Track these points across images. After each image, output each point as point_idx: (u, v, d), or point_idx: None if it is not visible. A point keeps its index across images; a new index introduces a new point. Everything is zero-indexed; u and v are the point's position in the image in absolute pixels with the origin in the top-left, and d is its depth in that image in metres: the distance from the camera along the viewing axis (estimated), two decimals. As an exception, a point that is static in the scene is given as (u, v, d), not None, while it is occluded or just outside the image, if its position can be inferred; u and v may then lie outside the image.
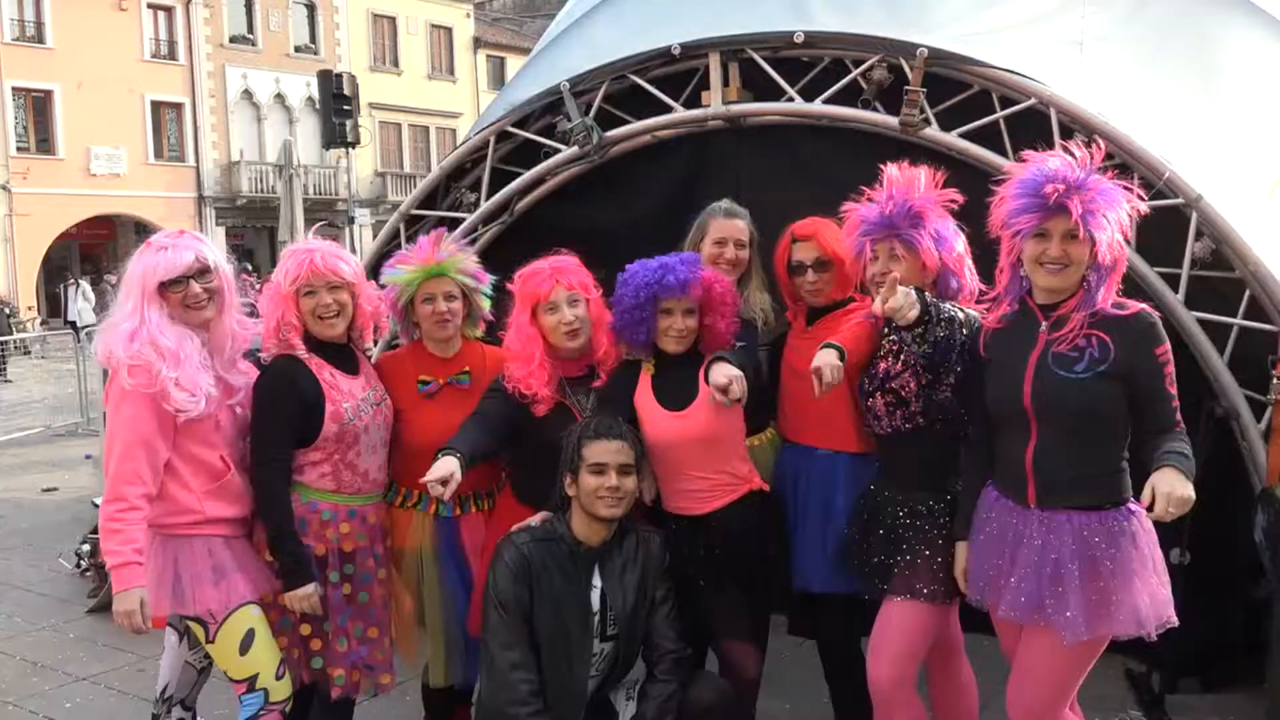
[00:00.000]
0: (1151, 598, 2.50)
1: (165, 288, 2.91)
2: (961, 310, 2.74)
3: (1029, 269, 2.58)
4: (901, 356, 2.84)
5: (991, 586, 2.66)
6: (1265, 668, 3.59)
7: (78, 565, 5.94)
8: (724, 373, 2.88)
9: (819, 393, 2.66)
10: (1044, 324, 2.59)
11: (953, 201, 2.89)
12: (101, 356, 2.91)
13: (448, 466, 2.83)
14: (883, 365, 2.93)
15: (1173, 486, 2.26)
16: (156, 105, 29.37)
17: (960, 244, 2.90)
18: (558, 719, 2.91)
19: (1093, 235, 2.46)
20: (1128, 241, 2.54)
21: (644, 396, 3.18)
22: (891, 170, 2.92)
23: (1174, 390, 2.51)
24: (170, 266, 2.92)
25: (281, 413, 3.03)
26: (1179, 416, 2.50)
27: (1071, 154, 2.52)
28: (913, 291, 2.56)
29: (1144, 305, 2.57)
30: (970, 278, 2.92)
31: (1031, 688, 2.64)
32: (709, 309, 3.12)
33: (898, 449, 2.95)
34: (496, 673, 2.90)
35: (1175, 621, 2.54)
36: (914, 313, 2.53)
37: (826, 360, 2.67)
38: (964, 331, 2.70)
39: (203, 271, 2.96)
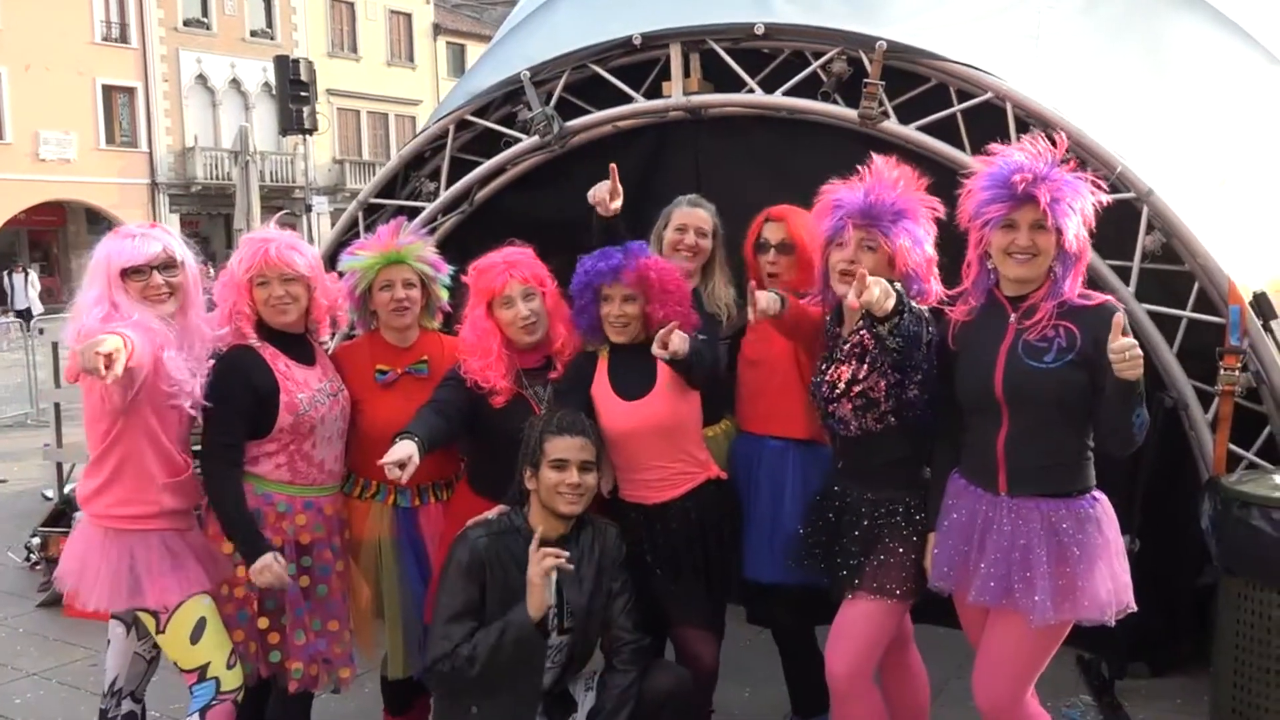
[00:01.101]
0: (1114, 583, 2.56)
1: (126, 275, 2.86)
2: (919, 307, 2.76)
3: (997, 260, 2.62)
4: (866, 360, 2.82)
5: (959, 572, 2.69)
6: (1210, 652, 3.66)
7: (27, 559, 5.84)
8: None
9: (753, 318, 2.81)
10: (1013, 315, 2.63)
11: (934, 208, 2.87)
12: (75, 340, 2.76)
13: (406, 450, 2.80)
14: (845, 370, 2.88)
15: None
16: (108, 89, 28.78)
17: (930, 248, 2.89)
18: (515, 713, 2.91)
19: (1059, 225, 2.51)
20: (1091, 233, 2.58)
21: (600, 387, 3.18)
22: (878, 160, 2.90)
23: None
24: (134, 254, 2.86)
25: (234, 401, 2.99)
26: (1145, 396, 2.52)
27: (1036, 147, 2.56)
28: (884, 281, 2.56)
29: (1109, 297, 2.63)
30: (935, 284, 2.90)
31: (998, 670, 2.68)
32: (650, 297, 3.10)
33: (867, 450, 2.91)
34: (434, 644, 2.92)
35: (1134, 607, 2.60)
36: (890, 302, 2.52)
37: (766, 295, 2.82)
38: (930, 329, 2.71)
39: (168, 265, 2.91)
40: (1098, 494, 2.63)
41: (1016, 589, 2.56)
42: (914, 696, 3.16)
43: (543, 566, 2.81)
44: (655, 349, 2.90)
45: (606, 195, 3.24)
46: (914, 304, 2.66)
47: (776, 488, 3.24)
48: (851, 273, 2.73)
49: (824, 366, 2.97)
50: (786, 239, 3.31)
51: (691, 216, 3.54)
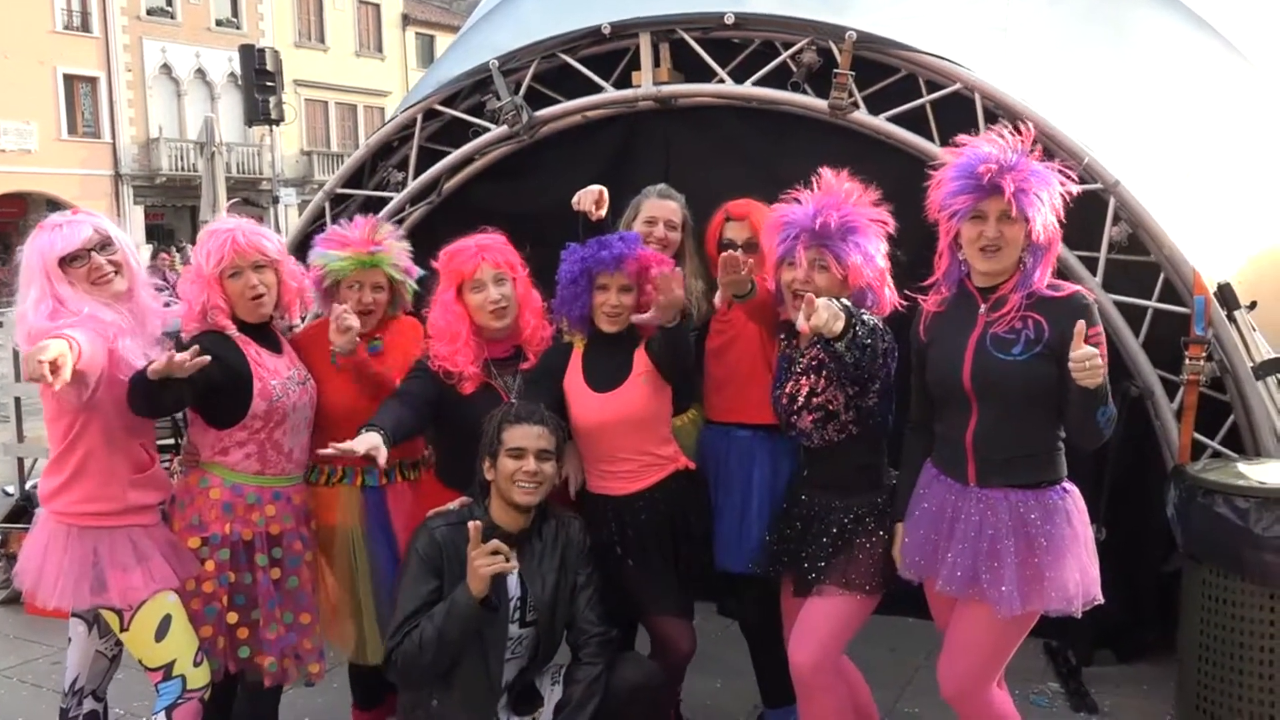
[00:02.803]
0: (1082, 575, 2.57)
1: (67, 264, 2.78)
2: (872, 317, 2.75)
3: (967, 252, 2.62)
4: (824, 372, 2.81)
5: (928, 561, 2.69)
6: (1176, 639, 3.70)
7: (-13, 556, 5.73)
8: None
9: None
10: (983, 306, 2.63)
11: (884, 223, 2.88)
12: (29, 341, 2.66)
13: (371, 440, 2.79)
14: (804, 383, 2.87)
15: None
16: (70, 79, 28.27)
17: (882, 260, 2.89)
18: (474, 705, 2.89)
19: (1026, 215, 2.51)
20: (1060, 222, 2.58)
21: (573, 378, 3.16)
22: (827, 175, 2.90)
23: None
24: (68, 241, 2.79)
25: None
26: (1109, 394, 2.52)
27: (1004, 138, 2.57)
28: (834, 303, 2.52)
29: (1079, 287, 2.64)
30: (889, 294, 2.91)
31: (963, 659, 2.69)
32: (647, 288, 3.10)
33: (832, 459, 2.92)
34: (392, 638, 2.89)
35: (1101, 599, 2.61)
36: (839, 324, 2.49)
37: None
38: (885, 339, 2.71)
39: (104, 245, 2.84)
40: (1068, 485, 2.63)
41: (984, 579, 2.56)
42: (857, 695, 3.12)
43: (485, 570, 2.77)
44: (659, 301, 2.87)
45: (592, 205, 3.23)
46: (866, 316, 2.64)
47: (746, 476, 3.24)
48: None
49: (782, 380, 2.97)
50: (753, 237, 3.29)
51: (662, 209, 3.52)
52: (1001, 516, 2.58)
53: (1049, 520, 2.56)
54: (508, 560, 2.79)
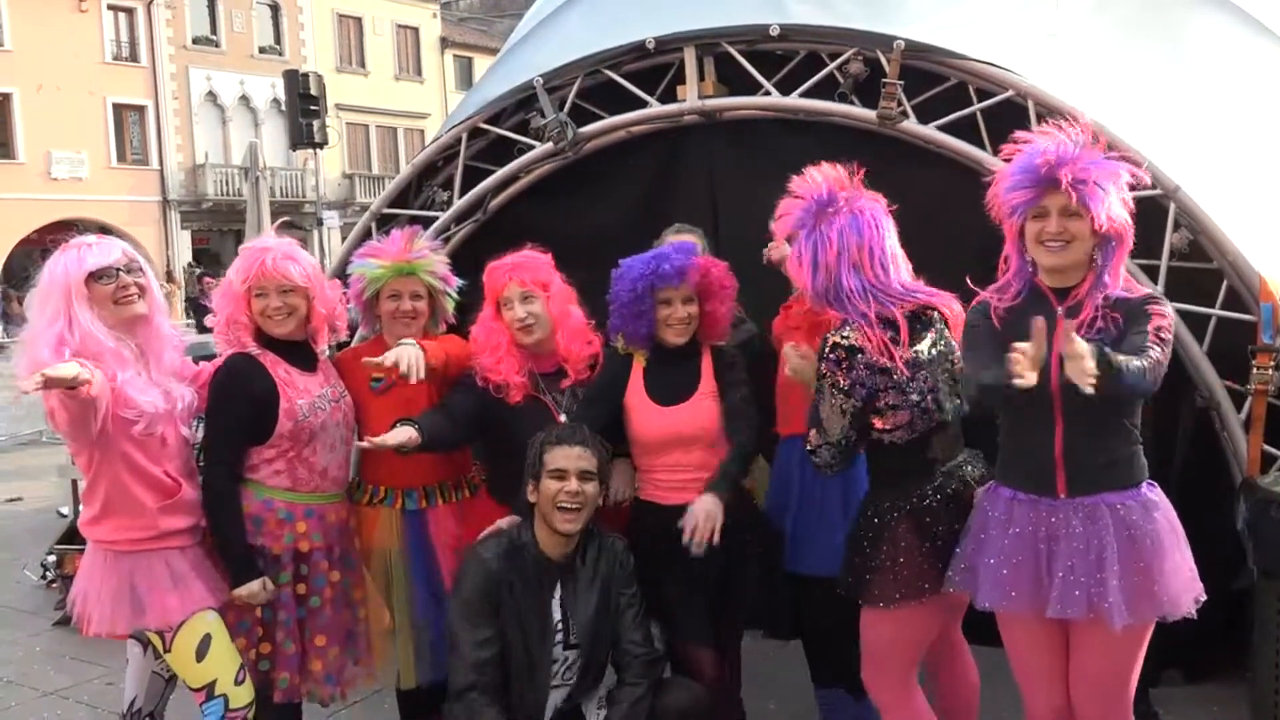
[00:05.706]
0: (1188, 572, 2.48)
1: (94, 279, 2.82)
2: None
3: (1032, 250, 2.53)
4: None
5: (1031, 588, 2.51)
6: (1247, 658, 3.58)
7: (44, 577, 5.81)
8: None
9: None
10: (1060, 308, 2.50)
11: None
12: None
13: (405, 432, 2.90)
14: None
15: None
16: (118, 108, 28.92)
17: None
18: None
19: (1088, 206, 2.41)
20: (1131, 214, 2.48)
21: (635, 393, 3.14)
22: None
23: (1154, 338, 2.37)
24: (100, 257, 2.85)
25: (234, 413, 2.99)
26: (1152, 351, 2.35)
27: (1061, 132, 2.49)
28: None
29: (1152, 290, 2.58)
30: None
31: (1098, 687, 2.55)
32: (708, 294, 3.09)
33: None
34: (459, 656, 2.90)
35: (1204, 595, 2.51)
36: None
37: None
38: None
39: (130, 268, 2.89)
40: (1152, 482, 2.55)
41: (1093, 593, 2.43)
42: (964, 698, 3.07)
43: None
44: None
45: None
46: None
47: (847, 485, 3.13)
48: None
49: None
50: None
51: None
52: (1103, 523, 2.46)
53: (1149, 519, 2.46)
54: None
